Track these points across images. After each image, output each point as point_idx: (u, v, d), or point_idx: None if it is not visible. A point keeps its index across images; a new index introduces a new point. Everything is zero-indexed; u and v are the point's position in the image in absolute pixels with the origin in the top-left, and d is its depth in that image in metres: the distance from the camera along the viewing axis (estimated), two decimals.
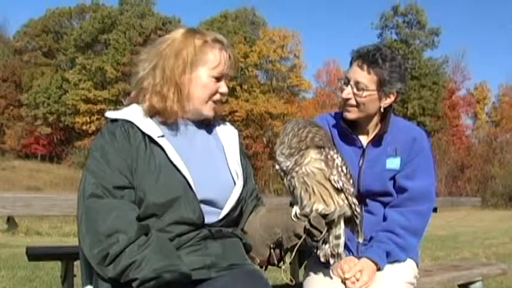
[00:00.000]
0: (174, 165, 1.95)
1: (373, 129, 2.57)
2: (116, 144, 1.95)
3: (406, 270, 2.49)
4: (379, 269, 2.40)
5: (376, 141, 2.54)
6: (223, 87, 2.12)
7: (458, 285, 3.53)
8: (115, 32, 51.64)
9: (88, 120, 50.67)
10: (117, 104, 42.70)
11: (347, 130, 2.54)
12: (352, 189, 2.04)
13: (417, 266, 2.60)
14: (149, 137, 1.97)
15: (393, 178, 2.54)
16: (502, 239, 11.80)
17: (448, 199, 5.88)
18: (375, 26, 52.50)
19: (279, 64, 52.84)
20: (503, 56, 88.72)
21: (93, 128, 48.92)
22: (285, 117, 47.72)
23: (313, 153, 1.97)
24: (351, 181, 2.05)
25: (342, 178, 1.99)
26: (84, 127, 50.64)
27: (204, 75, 2.06)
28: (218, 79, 2.09)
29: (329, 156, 1.99)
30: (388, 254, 2.43)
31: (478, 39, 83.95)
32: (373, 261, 2.38)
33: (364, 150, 2.55)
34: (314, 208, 1.96)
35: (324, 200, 1.97)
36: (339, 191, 1.99)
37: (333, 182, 1.97)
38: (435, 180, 2.64)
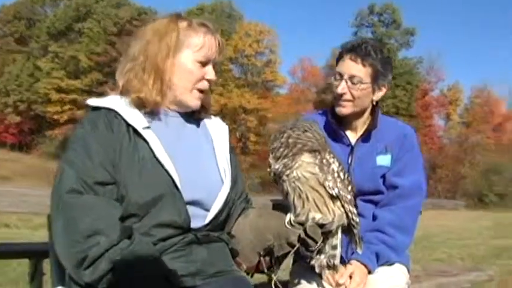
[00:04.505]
0: (159, 161, 1.81)
1: (361, 125, 2.50)
2: (97, 134, 1.80)
3: (399, 276, 2.40)
4: (370, 272, 2.30)
5: (365, 138, 2.47)
6: (210, 73, 1.99)
7: None
8: (89, 21, 50.89)
9: (60, 109, 49.83)
10: (90, 94, 42.15)
11: (336, 126, 2.45)
12: (349, 197, 1.92)
13: (408, 271, 2.50)
14: (134, 129, 1.83)
15: (383, 176, 2.46)
16: (475, 239, 11.91)
17: (429, 201, 5.84)
18: (351, 24, 52.79)
19: (255, 59, 52.68)
20: (476, 58, 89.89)
21: (65, 117, 48.20)
22: (258, 112, 47.68)
23: (305, 157, 1.84)
24: (349, 188, 1.92)
25: (338, 184, 1.87)
26: (55, 116, 49.82)
27: (188, 60, 1.94)
28: (204, 64, 1.97)
29: (324, 161, 1.86)
30: (378, 255, 2.34)
31: (452, 40, 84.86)
32: (363, 264, 2.28)
33: (353, 148, 2.47)
34: (310, 217, 1.83)
35: (318, 208, 1.84)
36: (334, 198, 1.86)
37: (327, 188, 1.84)
38: (424, 175, 2.57)
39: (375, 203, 2.46)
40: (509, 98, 57.96)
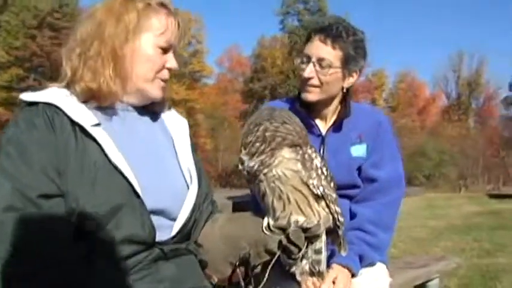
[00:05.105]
0: (114, 165, 1.51)
1: (332, 114, 2.29)
2: (36, 135, 1.48)
3: (383, 278, 2.24)
4: (353, 276, 2.11)
5: (337, 128, 2.26)
6: (171, 61, 1.73)
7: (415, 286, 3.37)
8: (7, 14, 48.69)
9: None
10: (10, 90, 40.39)
11: (305, 115, 2.22)
12: (334, 195, 1.67)
13: (387, 269, 2.33)
14: (81, 127, 1.52)
15: (358, 168, 2.27)
16: (411, 222, 11.97)
17: None
18: (277, 13, 52.84)
19: (181, 49, 51.97)
20: (400, 43, 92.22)
21: None
22: (187, 103, 47.14)
23: (286, 152, 1.57)
24: (332, 184, 1.68)
25: (323, 182, 1.61)
26: None
27: (149, 45, 1.66)
28: (165, 50, 1.69)
29: (306, 156, 1.59)
30: (361, 257, 2.15)
31: (376, 27, 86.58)
32: (346, 268, 2.08)
33: (324, 138, 2.25)
34: (292, 220, 1.58)
35: (301, 210, 1.59)
36: (319, 198, 1.61)
37: (311, 187, 1.58)
38: (402, 165, 2.39)
39: (351, 198, 2.26)
40: (431, 82, 59.83)
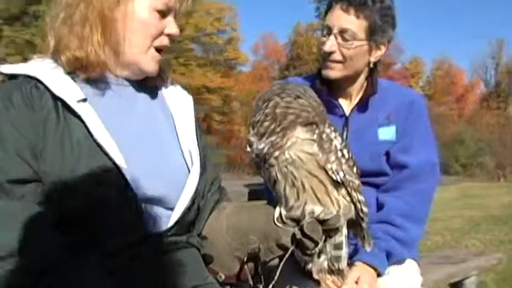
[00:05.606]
0: (100, 146, 1.32)
1: (357, 92, 2.06)
2: (13, 114, 1.32)
3: (413, 276, 2.01)
4: (379, 275, 1.88)
5: (362, 107, 2.03)
6: (170, 26, 1.51)
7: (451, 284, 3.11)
8: (45, 4, 49.39)
9: None
10: None
11: (326, 94, 1.99)
12: (356, 182, 1.44)
13: (418, 265, 2.10)
14: (64, 103, 1.33)
15: (387, 153, 2.03)
16: (446, 212, 11.57)
17: None
18: (313, 0, 52.35)
19: (216, 37, 51.97)
20: (438, 30, 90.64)
21: None
22: (222, 91, 47.22)
23: (300, 132, 1.35)
24: (354, 169, 1.44)
25: (343, 166, 1.39)
26: None
27: (144, 8, 1.44)
28: (163, 14, 1.48)
29: (324, 136, 1.37)
30: (388, 254, 1.91)
31: (413, 14, 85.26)
32: (371, 266, 1.85)
33: (348, 119, 2.02)
34: (308, 211, 1.36)
35: (317, 199, 1.37)
36: (338, 184, 1.39)
37: (330, 172, 1.36)
38: (436, 151, 2.15)
39: (377, 187, 2.03)
40: (470, 69, 58.69)
